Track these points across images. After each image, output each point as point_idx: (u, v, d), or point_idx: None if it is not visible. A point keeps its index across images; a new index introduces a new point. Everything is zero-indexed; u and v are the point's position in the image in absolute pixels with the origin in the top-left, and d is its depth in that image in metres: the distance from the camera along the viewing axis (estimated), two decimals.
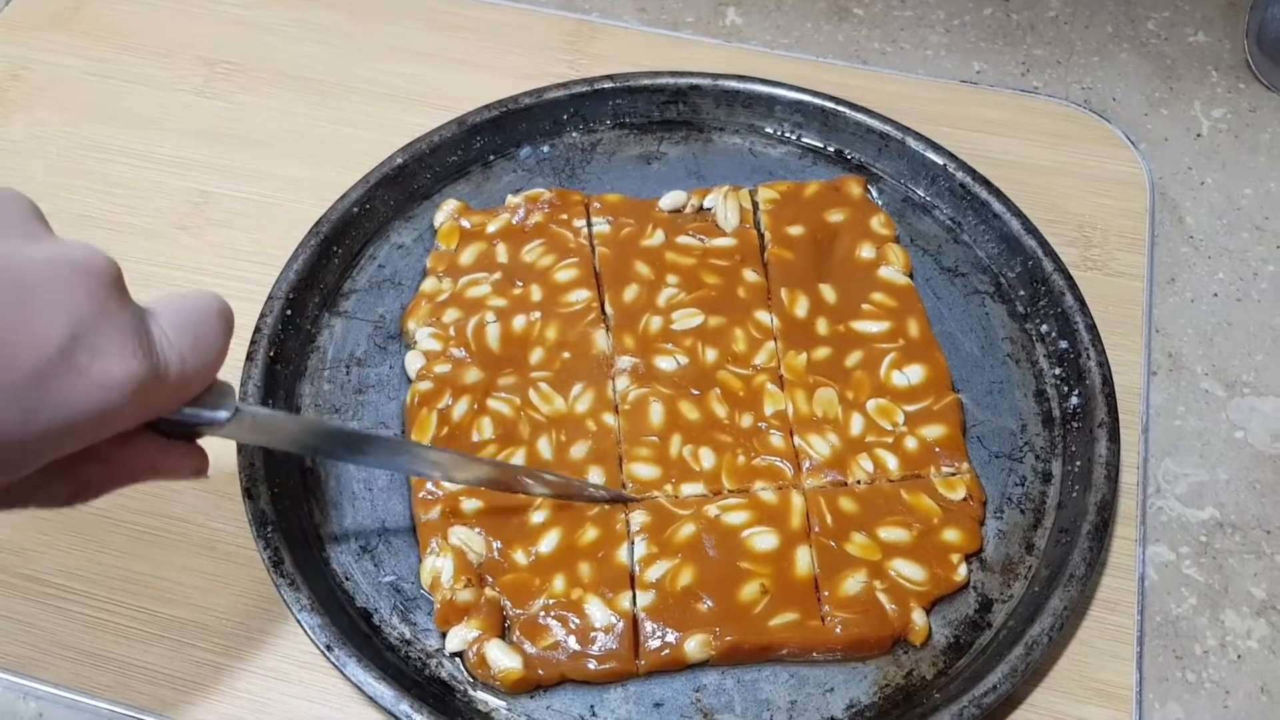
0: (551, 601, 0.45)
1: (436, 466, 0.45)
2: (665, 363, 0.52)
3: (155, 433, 0.36)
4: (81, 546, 0.48)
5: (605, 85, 0.61)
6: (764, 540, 0.47)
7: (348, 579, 0.47)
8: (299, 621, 0.43)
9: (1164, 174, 0.62)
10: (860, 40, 0.68)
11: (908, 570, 0.46)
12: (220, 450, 0.49)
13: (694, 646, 0.44)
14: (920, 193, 0.59)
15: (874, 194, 0.59)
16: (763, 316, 0.53)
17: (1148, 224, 0.59)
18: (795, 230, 0.56)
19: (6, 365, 0.28)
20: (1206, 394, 0.53)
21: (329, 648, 0.42)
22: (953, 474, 0.49)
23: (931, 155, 0.58)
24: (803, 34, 0.69)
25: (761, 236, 0.57)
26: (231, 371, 0.51)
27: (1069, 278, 0.53)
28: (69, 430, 0.30)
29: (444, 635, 0.45)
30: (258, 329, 0.51)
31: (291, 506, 0.48)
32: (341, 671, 0.42)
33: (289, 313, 0.52)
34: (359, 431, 0.45)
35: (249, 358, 0.50)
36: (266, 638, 0.46)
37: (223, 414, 0.36)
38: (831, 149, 0.61)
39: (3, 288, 0.28)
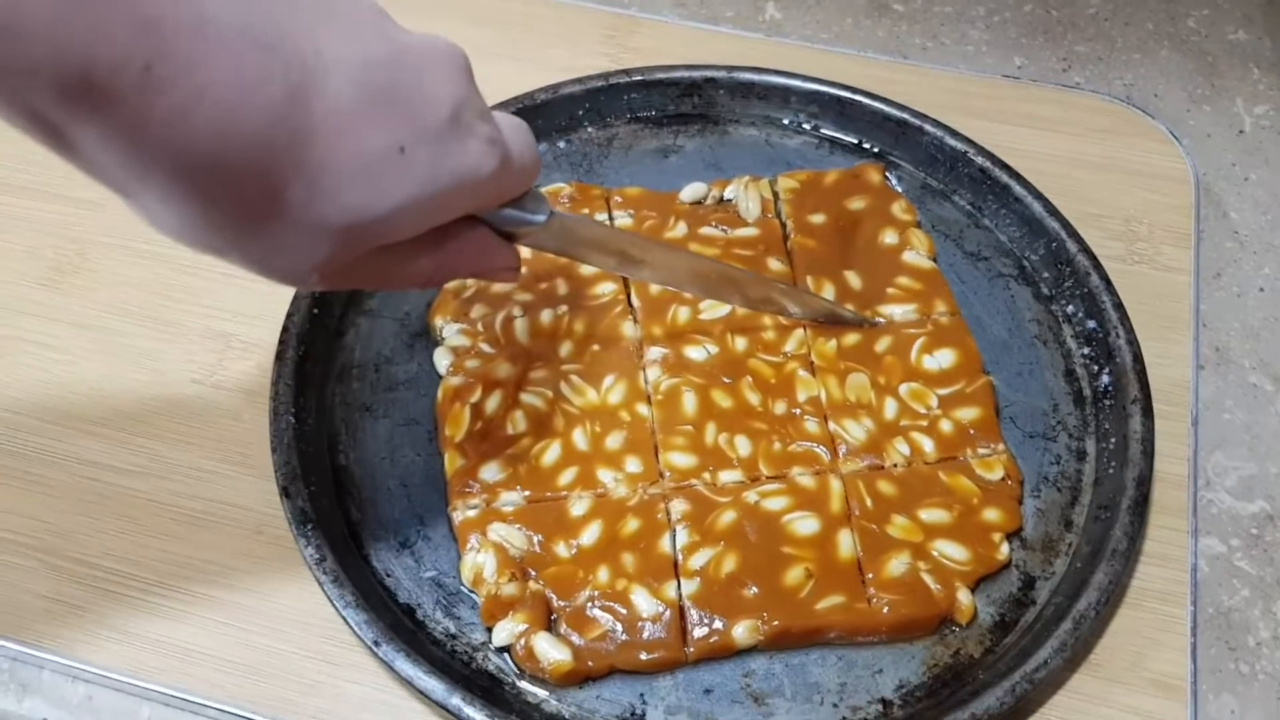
0: (596, 593, 0.45)
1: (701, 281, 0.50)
2: (695, 352, 0.52)
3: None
4: (129, 530, 0.48)
5: (621, 80, 0.61)
6: (805, 525, 0.47)
7: (389, 575, 0.46)
8: (345, 619, 0.43)
9: (1208, 170, 0.62)
10: (900, 35, 0.69)
11: (950, 550, 0.46)
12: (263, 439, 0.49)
13: (742, 632, 0.44)
14: (939, 179, 0.59)
15: (893, 181, 0.59)
16: None
17: (1193, 219, 0.59)
18: (817, 219, 0.57)
19: (418, 121, 0.33)
20: (1254, 388, 0.54)
21: (376, 643, 0.42)
22: (989, 455, 0.49)
23: (950, 141, 0.58)
24: (842, 29, 0.69)
25: (784, 226, 0.57)
26: (252, 375, 0.52)
27: (1093, 258, 0.53)
28: (454, 190, 0.34)
29: (489, 630, 0.44)
30: (285, 329, 0.51)
31: (329, 505, 0.47)
32: (390, 667, 0.42)
33: (315, 311, 0.52)
34: (642, 239, 0.48)
35: (279, 357, 0.50)
36: (314, 620, 0.45)
37: (540, 216, 0.40)
38: (848, 138, 0.61)
39: (406, 60, 0.33)
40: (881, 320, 0.53)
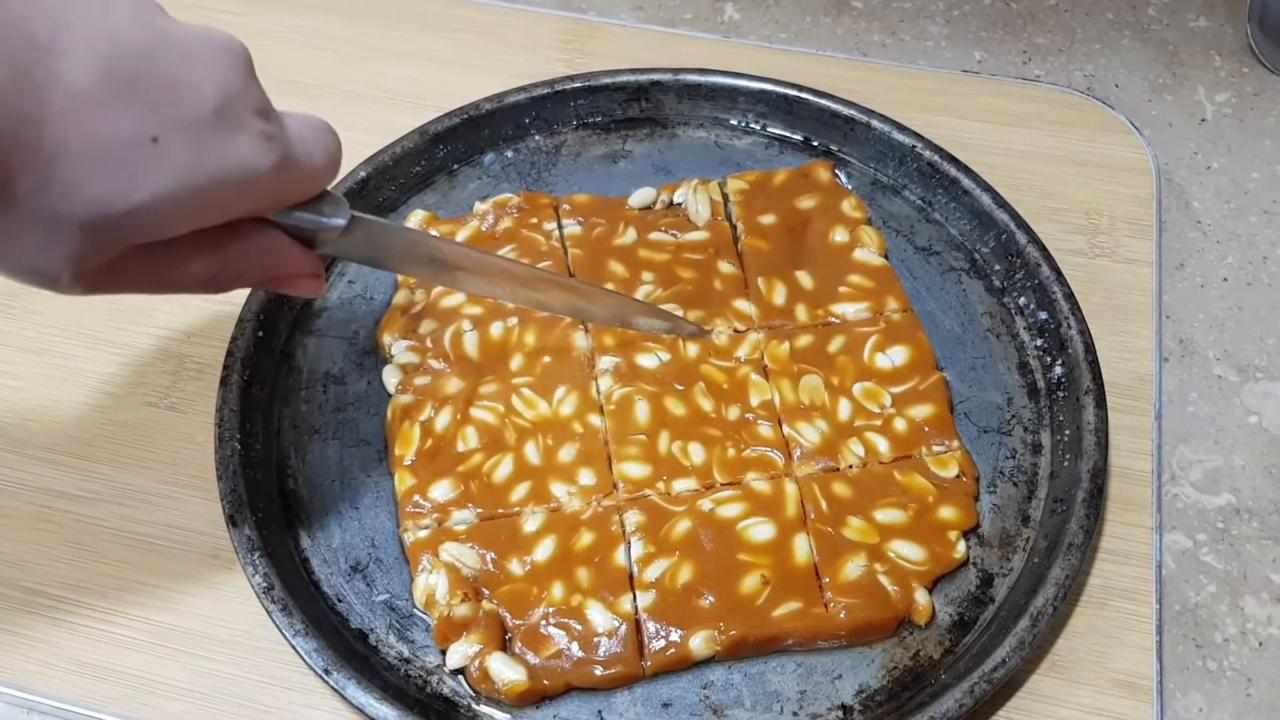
0: (551, 610, 0.44)
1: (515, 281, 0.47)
2: (647, 360, 0.51)
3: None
4: (83, 558, 0.47)
5: (566, 86, 0.60)
6: (761, 531, 0.46)
7: (340, 600, 0.46)
8: (294, 647, 0.42)
9: (1169, 159, 0.62)
10: (860, 33, 0.68)
11: (907, 551, 0.46)
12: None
13: (699, 643, 0.44)
14: (889, 175, 0.59)
15: (842, 178, 0.59)
16: (742, 306, 0.53)
17: (1155, 210, 0.58)
18: (767, 219, 0.56)
19: (174, 111, 0.31)
20: (1219, 379, 0.53)
21: (327, 671, 0.41)
22: (944, 452, 0.49)
23: (898, 136, 0.57)
24: (802, 28, 0.68)
25: (734, 228, 0.56)
26: (206, 397, 0.51)
27: (1043, 248, 0.53)
28: (222, 188, 0.33)
29: (444, 652, 0.44)
30: (230, 353, 0.50)
31: (278, 531, 0.46)
32: (341, 694, 0.41)
33: (260, 334, 0.51)
34: (455, 245, 0.47)
35: (223, 382, 0.49)
36: (270, 645, 0.44)
37: (339, 220, 0.38)
38: (797, 137, 0.60)
39: (167, 49, 0.31)
40: (720, 329, 0.52)
